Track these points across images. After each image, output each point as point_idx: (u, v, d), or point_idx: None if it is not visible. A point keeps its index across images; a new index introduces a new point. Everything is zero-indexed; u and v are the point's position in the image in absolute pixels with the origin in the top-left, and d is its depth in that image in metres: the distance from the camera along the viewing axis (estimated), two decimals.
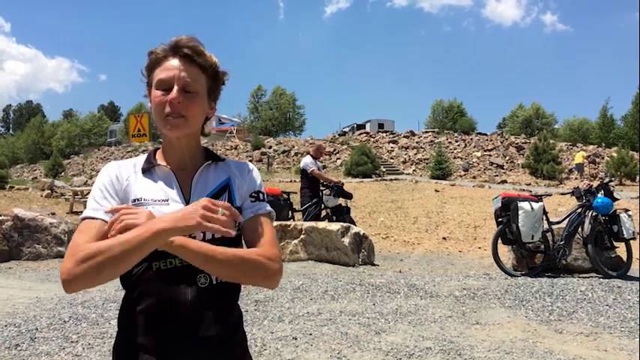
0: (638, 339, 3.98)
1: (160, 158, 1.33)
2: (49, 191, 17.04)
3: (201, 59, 1.26)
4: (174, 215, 1.11)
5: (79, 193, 14.77)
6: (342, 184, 9.38)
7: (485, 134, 37.58)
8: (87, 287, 1.13)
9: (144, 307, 1.20)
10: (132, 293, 1.24)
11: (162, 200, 1.25)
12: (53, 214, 9.41)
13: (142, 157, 1.35)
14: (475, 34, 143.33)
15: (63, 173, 30.62)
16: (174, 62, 1.25)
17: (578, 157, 26.83)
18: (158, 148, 1.36)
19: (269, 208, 1.33)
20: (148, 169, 1.30)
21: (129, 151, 34.92)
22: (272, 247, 1.25)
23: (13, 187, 18.14)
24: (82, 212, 1.24)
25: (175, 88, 1.23)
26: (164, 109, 1.23)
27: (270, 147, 33.60)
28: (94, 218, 1.20)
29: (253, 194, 1.32)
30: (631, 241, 6.61)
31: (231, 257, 1.16)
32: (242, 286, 1.32)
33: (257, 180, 1.36)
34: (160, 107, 1.24)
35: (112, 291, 5.34)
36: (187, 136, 1.29)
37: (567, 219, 6.83)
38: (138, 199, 1.25)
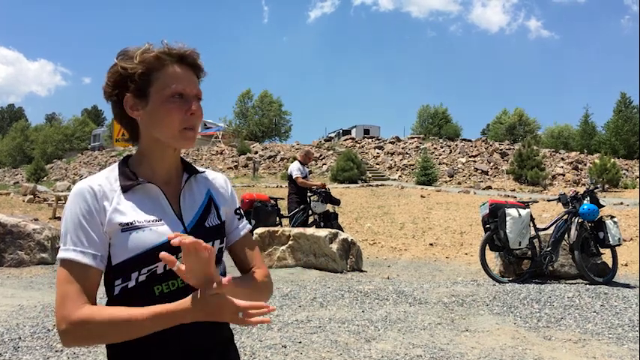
0: (638, 345, 4.01)
1: (137, 171, 1.21)
2: (32, 196, 16.75)
3: (201, 72, 1.25)
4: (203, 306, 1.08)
5: (62, 198, 14.54)
6: (325, 185, 9.33)
7: (470, 140, 37.82)
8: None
9: None
10: None
11: (156, 220, 1.16)
12: (36, 219, 9.25)
13: (114, 171, 1.21)
14: (461, 39, 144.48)
15: (45, 178, 30.18)
16: (182, 71, 1.19)
17: None
18: (127, 158, 1.24)
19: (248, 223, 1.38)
20: (131, 187, 1.17)
21: (112, 156, 34.59)
22: (264, 264, 1.36)
23: None
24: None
25: (194, 100, 1.19)
26: (182, 121, 1.17)
27: (256, 152, 33.49)
28: (77, 262, 1.12)
29: (237, 211, 1.31)
30: (616, 248, 6.68)
31: (258, 285, 1.29)
32: None
33: (235, 195, 1.36)
34: (177, 119, 1.17)
35: (98, 299, 5.24)
36: None
37: (554, 225, 6.88)
38: (129, 223, 1.14)
